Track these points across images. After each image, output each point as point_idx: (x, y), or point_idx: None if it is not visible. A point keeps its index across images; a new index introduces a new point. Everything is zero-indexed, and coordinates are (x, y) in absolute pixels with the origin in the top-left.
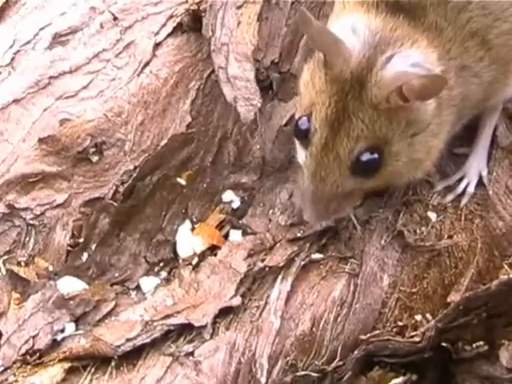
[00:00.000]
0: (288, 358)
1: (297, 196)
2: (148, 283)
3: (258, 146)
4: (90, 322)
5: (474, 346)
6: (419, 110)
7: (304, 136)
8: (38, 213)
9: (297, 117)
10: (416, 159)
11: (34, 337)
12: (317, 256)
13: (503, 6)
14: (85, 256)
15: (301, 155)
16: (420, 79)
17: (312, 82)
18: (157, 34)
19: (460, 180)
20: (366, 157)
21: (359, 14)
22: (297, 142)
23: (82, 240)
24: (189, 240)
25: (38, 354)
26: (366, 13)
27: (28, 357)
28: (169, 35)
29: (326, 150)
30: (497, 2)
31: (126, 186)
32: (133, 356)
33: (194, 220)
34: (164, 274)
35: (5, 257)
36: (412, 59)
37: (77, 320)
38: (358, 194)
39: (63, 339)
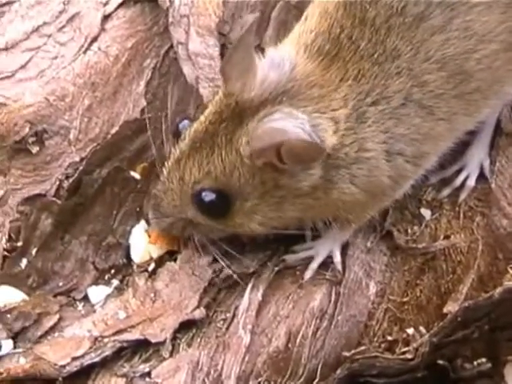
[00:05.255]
0: (260, 379)
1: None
2: (97, 293)
3: None
4: (31, 339)
5: (474, 363)
6: (296, 177)
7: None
8: None
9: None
10: (289, 217)
11: None
12: None
13: (490, 26)
14: (24, 262)
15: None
16: (297, 143)
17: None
18: (106, 4)
19: (458, 172)
20: (208, 197)
21: (300, 50)
22: None
23: (20, 244)
24: (144, 243)
25: None
26: (306, 53)
27: None
28: (119, 6)
29: (177, 166)
30: (483, 23)
31: (71, 180)
32: (80, 377)
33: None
34: (116, 282)
35: None
36: (298, 122)
37: (15, 336)
38: (201, 226)
39: None
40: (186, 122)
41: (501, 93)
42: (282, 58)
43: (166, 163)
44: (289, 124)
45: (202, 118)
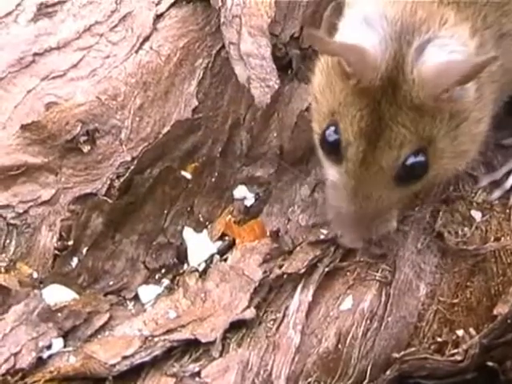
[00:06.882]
0: (310, 379)
1: (333, 220)
2: (148, 292)
3: (275, 134)
4: (81, 338)
5: None
6: (461, 98)
7: (333, 149)
8: (21, 211)
9: (319, 127)
10: (462, 151)
11: (15, 354)
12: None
13: None
14: (74, 261)
15: (331, 172)
16: (464, 67)
17: (331, 91)
18: (158, 4)
19: (509, 174)
20: (411, 161)
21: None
22: (323, 157)
23: (71, 243)
24: (200, 240)
25: (20, 374)
26: None
27: (9, 377)
28: (172, 5)
29: (366, 165)
30: None
31: (122, 180)
32: (130, 376)
33: (201, 220)
34: (166, 281)
35: None
36: (448, 46)
37: (65, 335)
38: (400, 203)
39: (50, 357)
40: (331, 129)
41: None
42: (363, 15)
43: (341, 178)
44: (446, 52)
45: (352, 119)
